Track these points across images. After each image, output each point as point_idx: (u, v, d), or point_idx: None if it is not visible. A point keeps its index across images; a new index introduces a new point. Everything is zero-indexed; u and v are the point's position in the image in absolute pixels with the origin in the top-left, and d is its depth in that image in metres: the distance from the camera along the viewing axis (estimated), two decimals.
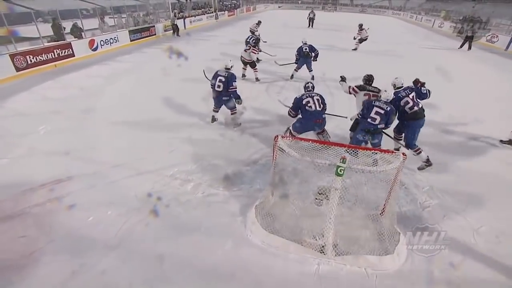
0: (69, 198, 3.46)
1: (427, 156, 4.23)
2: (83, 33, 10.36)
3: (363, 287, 2.54)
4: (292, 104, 4.21)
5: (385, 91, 3.96)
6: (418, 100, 4.17)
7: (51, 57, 8.76)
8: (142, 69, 9.29)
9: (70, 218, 3.18)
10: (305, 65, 8.07)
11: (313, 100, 4.08)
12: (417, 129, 4.22)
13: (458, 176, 4.11)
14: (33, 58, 8.16)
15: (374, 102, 3.89)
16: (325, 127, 4.41)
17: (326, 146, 2.88)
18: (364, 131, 3.94)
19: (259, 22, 13.32)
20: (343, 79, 4.79)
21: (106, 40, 11.07)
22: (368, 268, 2.67)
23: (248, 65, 7.95)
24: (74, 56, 9.60)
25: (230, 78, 4.90)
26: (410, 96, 4.09)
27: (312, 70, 8.21)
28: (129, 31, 12.48)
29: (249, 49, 7.71)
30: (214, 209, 3.37)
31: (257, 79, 8.06)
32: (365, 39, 12.47)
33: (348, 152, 2.73)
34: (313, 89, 4.32)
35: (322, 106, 4.14)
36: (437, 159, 4.46)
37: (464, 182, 3.98)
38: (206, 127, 5.36)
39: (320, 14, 26.71)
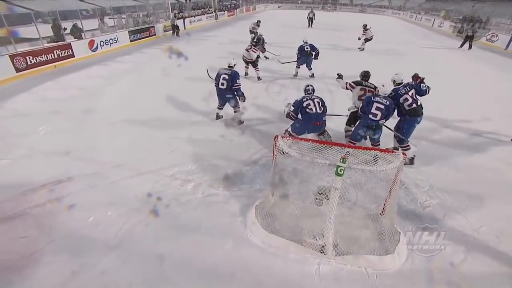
0: (69, 198, 3.46)
1: (413, 156, 4.30)
2: (83, 34, 10.36)
3: (364, 287, 2.54)
4: (292, 107, 4.23)
5: (383, 85, 4.05)
6: (418, 96, 4.20)
7: (51, 58, 8.76)
8: (142, 70, 9.29)
9: (70, 219, 3.18)
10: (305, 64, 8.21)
11: (314, 103, 4.11)
12: (413, 125, 4.27)
13: (458, 176, 4.11)
14: (33, 59, 8.16)
15: (374, 98, 3.97)
16: (325, 127, 4.41)
17: (326, 146, 2.88)
18: (366, 126, 4.02)
19: (258, 22, 13.32)
20: (339, 76, 4.94)
21: (106, 41, 11.07)
22: (368, 268, 2.67)
23: (250, 64, 8.04)
24: (74, 56, 9.60)
25: (233, 76, 4.98)
26: (410, 93, 4.13)
27: (311, 69, 8.33)
28: (129, 31, 12.48)
29: (250, 48, 7.80)
30: (214, 209, 3.37)
31: (259, 78, 8.13)
32: (370, 39, 12.53)
33: (349, 153, 2.73)
34: (313, 92, 4.37)
35: (322, 108, 4.17)
36: (437, 159, 4.47)
37: (464, 182, 3.98)
38: (206, 127, 5.36)
39: (320, 14, 26.72)
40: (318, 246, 2.81)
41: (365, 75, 4.64)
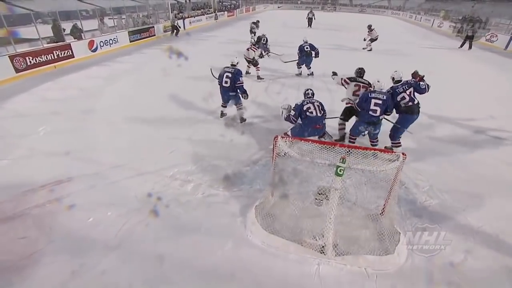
0: (69, 199, 3.46)
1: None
2: (82, 34, 10.36)
3: (364, 287, 2.54)
4: (293, 111, 4.26)
5: (378, 81, 4.17)
6: (416, 94, 4.23)
7: (50, 58, 8.76)
8: (142, 70, 9.29)
9: (70, 219, 3.18)
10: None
11: (314, 106, 4.14)
12: (408, 123, 4.31)
13: (458, 176, 4.11)
14: (32, 59, 8.16)
15: (370, 94, 4.07)
16: (325, 130, 4.44)
17: (326, 146, 2.88)
18: (366, 123, 4.12)
19: (257, 22, 13.32)
20: (334, 73, 5.12)
21: (106, 41, 11.07)
22: (368, 268, 2.67)
23: (251, 63, 8.11)
24: (73, 57, 9.59)
25: (236, 74, 5.10)
26: (407, 92, 4.17)
27: (310, 68, 8.44)
28: (128, 32, 12.48)
29: (250, 48, 7.92)
30: (214, 210, 3.37)
31: (259, 77, 8.18)
32: (375, 39, 12.57)
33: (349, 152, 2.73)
34: (313, 96, 4.40)
35: (322, 112, 4.19)
36: (436, 159, 4.47)
37: (464, 181, 3.98)
38: (206, 128, 5.36)
39: (320, 14, 26.73)
40: (318, 246, 2.81)
41: (360, 72, 4.82)
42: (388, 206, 3.11)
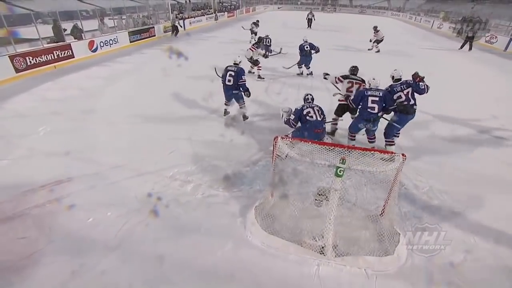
0: (69, 199, 3.46)
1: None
2: (83, 34, 10.37)
3: None
4: (293, 115, 4.28)
5: (374, 79, 4.24)
6: (415, 94, 4.27)
7: (50, 58, 8.76)
8: (142, 70, 9.30)
9: (70, 219, 3.18)
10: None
11: (314, 111, 4.15)
12: (403, 122, 4.36)
13: (458, 177, 4.11)
14: (32, 59, 8.15)
15: (367, 92, 4.16)
16: (325, 135, 4.47)
17: (325, 147, 2.88)
18: (366, 120, 4.19)
19: (257, 21, 13.32)
20: (326, 74, 5.28)
21: (106, 41, 11.07)
22: (368, 269, 2.67)
23: (252, 63, 8.15)
24: (73, 57, 9.59)
25: (239, 72, 5.20)
26: (405, 92, 4.22)
27: (310, 67, 8.50)
28: (128, 32, 12.48)
29: (249, 48, 7.97)
30: (214, 210, 3.37)
31: (259, 77, 8.20)
32: (381, 40, 12.60)
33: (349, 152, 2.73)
34: (313, 101, 4.42)
35: (322, 116, 4.21)
36: (436, 160, 4.48)
37: (464, 182, 3.99)
38: (206, 128, 5.37)
39: (320, 15, 26.76)
40: (317, 247, 2.82)
41: (354, 70, 4.97)
42: (388, 207, 3.11)
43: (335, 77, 4.97)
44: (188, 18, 18.19)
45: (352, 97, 4.48)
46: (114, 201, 3.41)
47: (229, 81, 5.22)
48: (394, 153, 2.84)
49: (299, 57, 8.39)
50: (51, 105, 6.18)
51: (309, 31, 18.66)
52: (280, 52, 9.16)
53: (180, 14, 17.01)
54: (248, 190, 3.72)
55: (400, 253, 2.78)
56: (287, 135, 4.46)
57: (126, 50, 11.80)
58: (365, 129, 4.39)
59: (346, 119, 4.99)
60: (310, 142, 2.99)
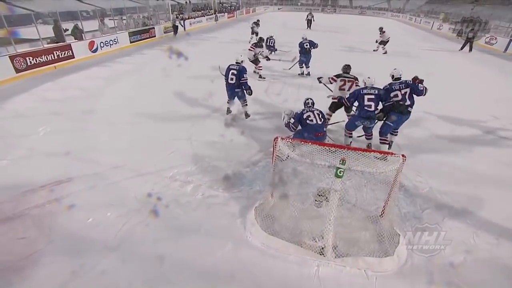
0: (68, 199, 3.46)
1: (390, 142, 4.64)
2: (83, 35, 10.37)
3: None
4: (293, 119, 4.30)
5: (368, 77, 4.38)
6: (414, 96, 4.31)
7: (51, 59, 8.77)
8: (142, 71, 9.30)
9: (70, 219, 3.18)
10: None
11: (314, 114, 4.16)
12: (397, 122, 4.41)
13: (458, 177, 4.12)
14: (33, 60, 8.17)
15: (362, 91, 4.29)
16: (326, 138, 4.47)
17: (325, 148, 2.88)
18: (363, 117, 4.33)
19: (257, 21, 13.33)
20: (320, 78, 5.45)
21: (106, 42, 11.08)
22: (368, 270, 2.67)
23: (252, 63, 8.19)
24: (74, 57, 9.60)
25: (241, 71, 5.32)
26: (402, 91, 4.28)
27: (309, 67, 8.57)
28: (129, 32, 12.50)
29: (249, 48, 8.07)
30: (213, 211, 3.37)
31: (260, 77, 8.23)
32: (387, 41, 12.60)
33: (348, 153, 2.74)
34: (313, 105, 4.43)
35: (322, 120, 4.21)
36: (436, 161, 4.48)
37: (464, 183, 3.99)
38: (206, 128, 5.37)
39: (320, 16, 26.82)
40: (317, 248, 2.82)
41: (346, 68, 5.20)
42: (388, 208, 3.11)
43: (329, 78, 5.14)
44: (189, 18, 18.21)
45: (347, 96, 4.56)
46: (114, 202, 3.41)
47: (231, 79, 5.32)
48: (394, 154, 2.85)
49: (299, 54, 8.44)
50: (51, 106, 6.18)
51: (308, 31, 18.68)
52: (285, 51, 9.16)
53: (181, 15, 17.05)
54: (248, 190, 3.72)
55: (400, 254, 2.78)
56: (289, 137, 4.49)
57: (126, 51, 11.81)
58: (362, 126, 4.49)
59: (346, 119, 5.01)
60: (310, 143, 2.99)
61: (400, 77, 4.43)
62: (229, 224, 3.18)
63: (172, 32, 15.33)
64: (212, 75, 5.90)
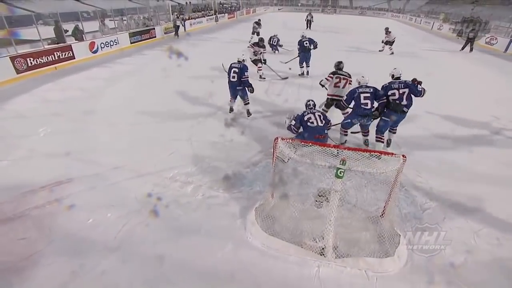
0: (69, 199, 3.46)
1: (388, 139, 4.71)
2: (84, 36, 10.39)
3: None
4: (294, 121, 4.30)
5: (363, 76, 4.46)
6: (412, 96, 4.33)
7: (51, 59, 8.78)
8: (143, 71, 9.31)
9: (70, 220, 3.18)
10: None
11: (315, 116, 4.15)
12: (392, 120, 4.47)
13: (458, 178, 4.11)
14: (33, 60, 8.18)
15: (358, 90, 4.37)
16: (327, 141, 4.46)
17: (325, 149, 2.88)
18: (360, 115, 4.41)
19: (259, 21, 13.34)
20: (321, 81, 5.41)
21: (107, 43, 11.10)
22: (368, 270, 2.66)
23: (253, 63, 8.20)
24: (74, 58, 9.61)
25: (242, 69, 5.42)
26: (400, 91, 4.31)
27: (309, 66, 8.58)
28: (129, 33, 12.51)
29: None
30: (214, 211, 3.37)
31: (261, 77, 8.24)
32: (393, 42, 12.60)
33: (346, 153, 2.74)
34: (314, 107, 4.45)
35: (323, 122, 4.19)
36: (436, 161, 4.48)
37: (464, 183, 3.98)
38: (206, 129, 5.37)
39: (320, 17, 26.85)
40: (318, 248, 2.81)
41: (339, 65, 5.33)
42: (388, 208, 3.10)
43: (326, 78, 5.23)
44: (189, 19, 18.23)
45: (345, 98, 4.62)
46: (114, 202, 3.41)
47: (233, 77, 5.40)
48: (395, 154, 2.85)
49: (298, 53, 8.44)
50: (51, 106, 6.19)
51: (308, 32, 18.69)
52: (288, 49, 9.14)
53: (181, 16, 17.07)
54: (248, 191, 3.72)
55: (400, 255, 2.77)
56: (289, 138, 4.49)
57: (126, 51, 11.82)
58: (359, 124, 4.55)
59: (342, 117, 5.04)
60: (310, 143, 2.99)
61: (400, 77, 4.45)
62: (229, 225, 3.17)
63: (173, 33, 15.33)
64: (212, 75, 5.92)
